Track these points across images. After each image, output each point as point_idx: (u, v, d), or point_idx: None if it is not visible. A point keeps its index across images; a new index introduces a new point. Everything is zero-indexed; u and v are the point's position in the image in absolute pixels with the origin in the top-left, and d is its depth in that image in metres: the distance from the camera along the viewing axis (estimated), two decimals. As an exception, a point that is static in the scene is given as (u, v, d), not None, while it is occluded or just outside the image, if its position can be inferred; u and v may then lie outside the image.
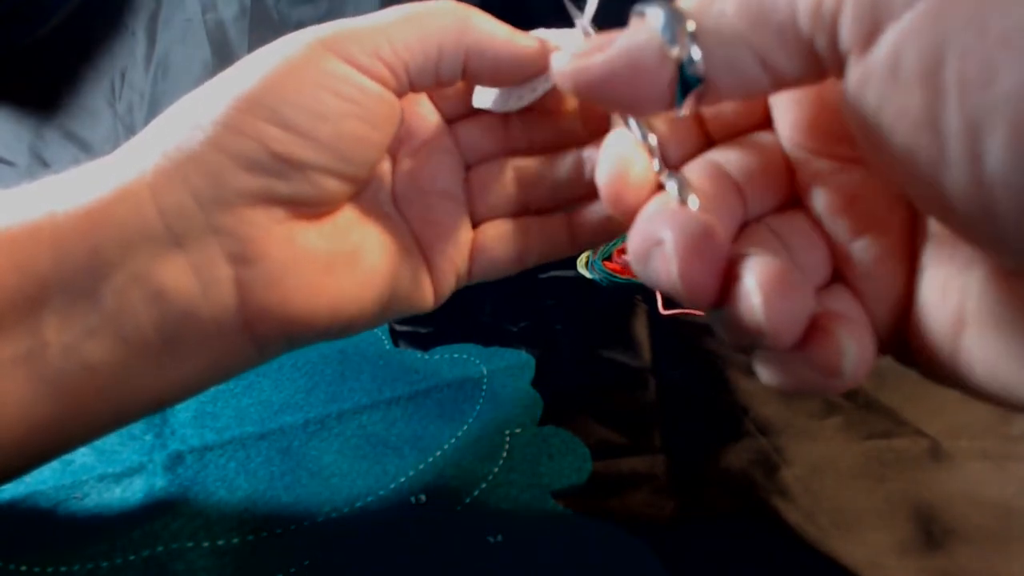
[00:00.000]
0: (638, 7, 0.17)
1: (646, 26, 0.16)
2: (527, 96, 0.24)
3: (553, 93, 0.24)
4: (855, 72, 0.14)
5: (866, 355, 0.17)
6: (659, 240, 0.17)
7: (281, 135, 0.21)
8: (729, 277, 0.17)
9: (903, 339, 0.18)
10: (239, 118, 0.20)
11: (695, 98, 0.16)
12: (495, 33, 0.23)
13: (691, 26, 0.16)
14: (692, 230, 0.17)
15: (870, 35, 0.14)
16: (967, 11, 0.13)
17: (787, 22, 0.15)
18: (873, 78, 0.14)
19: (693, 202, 0.18)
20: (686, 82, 0.16)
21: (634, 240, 0.18)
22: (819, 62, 0.15)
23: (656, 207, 0.18)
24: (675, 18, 0.16)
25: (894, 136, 0.14)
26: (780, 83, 0.16)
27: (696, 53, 0.16)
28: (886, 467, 0.32)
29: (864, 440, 0.33)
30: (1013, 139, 0.12)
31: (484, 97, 0.25)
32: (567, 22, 0.23)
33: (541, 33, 0.24)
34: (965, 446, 0.32)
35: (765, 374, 0.18)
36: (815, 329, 0.16)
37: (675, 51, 0.16)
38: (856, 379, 0.17)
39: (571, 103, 0.25)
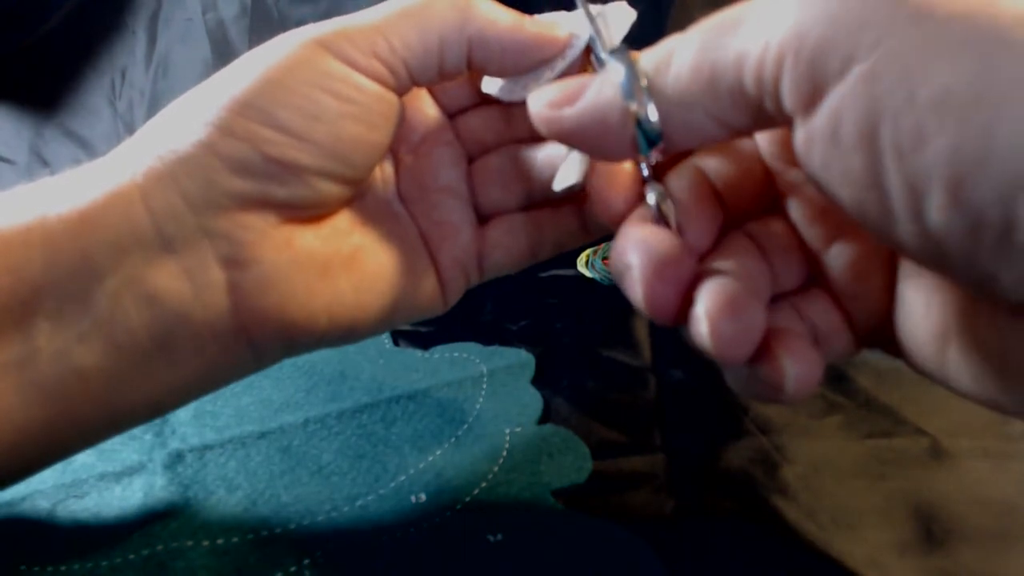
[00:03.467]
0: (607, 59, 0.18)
1: (610, 83, 0.17)
2: (536, 84, 0.23)
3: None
4: (800, 134, 0.15)
5: (809, 374, 0.17)
6: (628, 264, 0.18)
7: (275, 137, 0.20)
8: (688, 298, 0.18)
9: (889, 338, 0.18)
10: (231, 120, 0.20)
11: (658, 150, 0.17)
12: (499, 20, 0.22)
13: (644, 83, 0.17)
14: (658, 257, 0.18)
15: (811, 100, 0.14)
16: (897, 76, 0.13)
17: (736, 87, 0.15)
18: (816, 142, 0.14)
19: (670, 212, 0.19)
20: (648, 136, 0.17)
21: (612, 258, 0.19)
22: (771, 118, 0.16)
23: (632, 225, 0.19)
24: (635, 79, 0.17)
25: (842, 193, 0.15)
26: (736, 134, 0.17)
27: (653, 114, 0.17)
28: (886, 466, 0.32)
29: (864, 439, 0.33)
30: (950, 198, 0.13)
31: (492, 85, 0.24)
32: (567, 4, 0.22)
33: (547, 17, 0.23)
34: (965, 445, 0.32)
35: (728, 379, 0.19)
36: (763, 349, 0.17)
37: (635, 108, 0.17)
38: (800, 395, 0.18)
39: None
